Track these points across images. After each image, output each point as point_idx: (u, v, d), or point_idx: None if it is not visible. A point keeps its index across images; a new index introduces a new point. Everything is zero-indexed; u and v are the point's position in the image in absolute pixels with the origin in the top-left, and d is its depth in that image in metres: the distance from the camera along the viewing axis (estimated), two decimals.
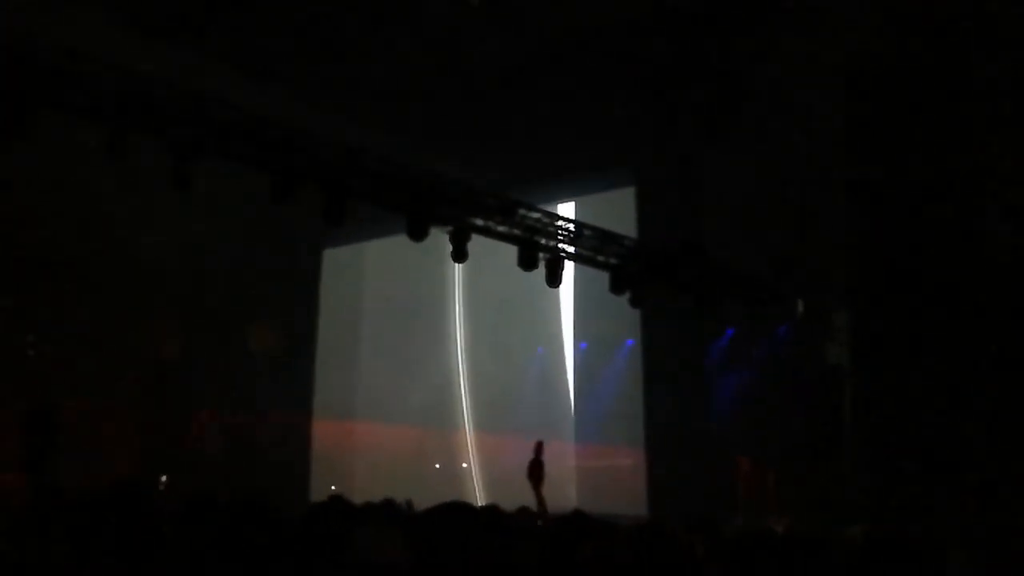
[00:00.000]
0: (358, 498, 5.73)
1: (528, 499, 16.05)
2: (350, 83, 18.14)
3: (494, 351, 26.43)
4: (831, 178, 16.90)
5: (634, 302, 16.55)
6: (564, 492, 20.74)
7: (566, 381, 25.25)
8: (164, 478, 17.38)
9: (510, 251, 15.26)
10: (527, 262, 14.96)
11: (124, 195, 17.30)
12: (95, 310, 18.41)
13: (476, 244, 14.75)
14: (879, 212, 15.90)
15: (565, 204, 22.72)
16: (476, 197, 14.78)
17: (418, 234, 13.72)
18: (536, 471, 18.06)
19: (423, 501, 5.17)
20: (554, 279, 15.48)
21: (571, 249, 15.79)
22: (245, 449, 20.94)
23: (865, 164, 16.14)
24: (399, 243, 16.45)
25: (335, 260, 24.73)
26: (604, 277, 16.47)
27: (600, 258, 16.13)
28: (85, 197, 17.31)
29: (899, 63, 15.55)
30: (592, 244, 15.99)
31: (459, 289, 27.54)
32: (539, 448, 18.21)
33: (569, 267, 16.12)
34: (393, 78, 17.97)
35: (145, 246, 18.52)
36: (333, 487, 20.00)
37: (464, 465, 26.13)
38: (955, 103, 14.99)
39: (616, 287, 16.11)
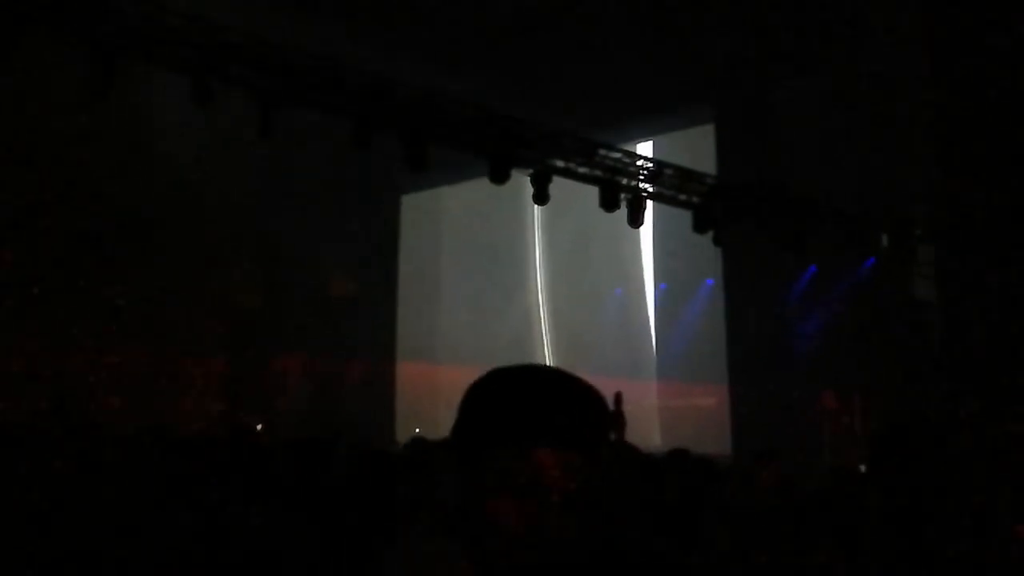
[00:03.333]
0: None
1: None
2: (427, 28, 18.10)
3: (573, 293, 26.49)
4: (914, 109, 16.57)
5: (717, 241, 16.40)
6: (648, 432, 20.80)
7: (647, 321, 25.23)
8: (260, 426, 17.73)
9: (587, 192, 15.21)
10: (609, 203, 14.88)
11: (205, 145, 17.54)
12: (180, 260, 18.72)
13: (554, 186, 14.72)
14: (965, 142, 15.56)
15: (643, 144, 22.53)
16: (557, 139, 14.72)
17: (500, 177, 13.73)
18: (618, 422, 17.82)
19: None
20: (636, 219, 15.40)
21: (652, 189, 15.68)
22: (330, 394, 21.28)
23: (949, 93, 15.79)
24: (477, 187, 16.47)
25: (414, 205, 24.88)
26: (683, 216, 16.33)
27: (682, 197, 16.00)
28: (166, 149, 17.57)
29: None
30: (673, 183, 15.87)
31: (538, 231, 27.56)
32: (619, 399, 17.72)
33: (648, 207, 15.99)
34: (469, 21, 17.90)
35: (227, 194, 18.76)
36: (417, 429, 20.26)
37: None
38: None
39: (699, 226, 15.97)
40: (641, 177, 15.48)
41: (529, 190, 14.67)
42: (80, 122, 15.89)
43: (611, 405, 17.85)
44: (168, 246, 18.48)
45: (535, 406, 1.56)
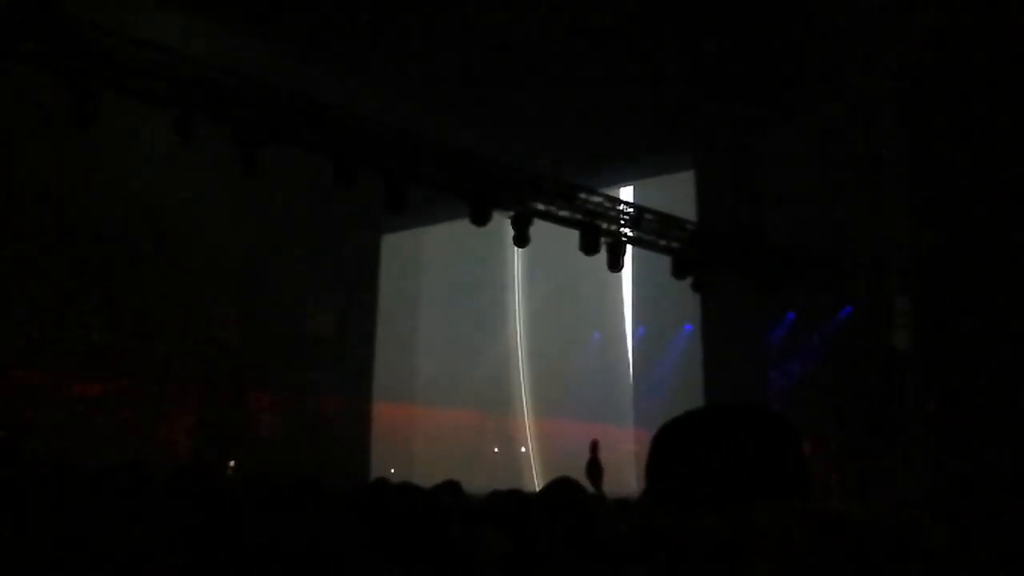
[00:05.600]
0: (418, 481, 5.70)
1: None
2: (411, 69, 18.15)
3: (552, 336, 26.47)
4: (894, 159, 16.71)
5: (696, 287, 16.42)
6: (624, 477, 20.69)
7: (626, 366, 25.21)
8: (232, 463, 17.57)
9: (567, 236, 15.23)
10: (589, 247, 14.91)
11: (185, 180, 17.46)
12: (157, 294, 18.60)
13: (534, 229, 14.74)
14: (943, 194, 15.69)
15: (624, 188, 22.60)
16: (538, 182, 14.76)
17: (481, 219, 13.75)
18: (594, 470, 17.36)
19: (482, 485, 5.15)
20: (616, 264, 15.42)
21: (632, 233, 15.72)
22: (305, 432, 21.11)
23: (928, 145, 15.93)
24: (458, 228, 16.47)
25: (394, 245, 24.88)
26: (663, 261, 16.37)
27: (662, 242, 16.05)
28: (146, 183, 17.49)
29: (959, 39, 15.30)
30: (654, 228, 15.92)
31: (518, 274, 27.57)
32: (595, 446, 17.28)
33: (627, 252, 16.00)
34: (453, 64, 17.97)
35: (206, 230, 18.67)
36: (392, 470, 20.13)
37: (523, 449, 26.19)
38: (1018, 77, 14.71)
39: (678, 272, 16.01)
40: (621, 222, 15.53)
41: (510, 232, 14.70)
42: (58, 151, 15.80)
43: (588, 453, 17.72)
44: (145, 280, 18.37)
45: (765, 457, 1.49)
